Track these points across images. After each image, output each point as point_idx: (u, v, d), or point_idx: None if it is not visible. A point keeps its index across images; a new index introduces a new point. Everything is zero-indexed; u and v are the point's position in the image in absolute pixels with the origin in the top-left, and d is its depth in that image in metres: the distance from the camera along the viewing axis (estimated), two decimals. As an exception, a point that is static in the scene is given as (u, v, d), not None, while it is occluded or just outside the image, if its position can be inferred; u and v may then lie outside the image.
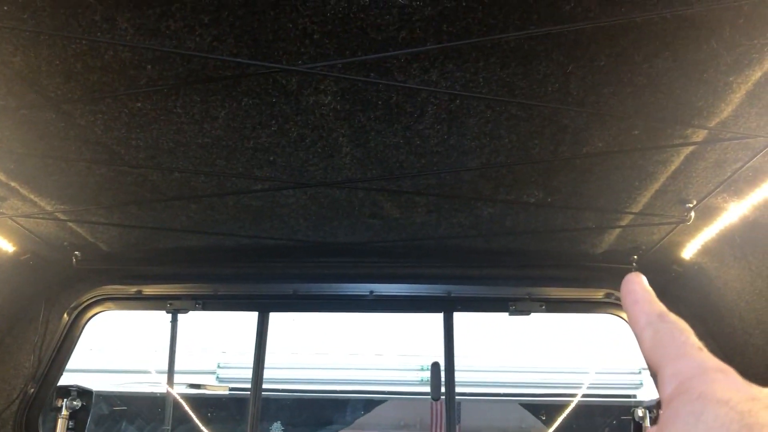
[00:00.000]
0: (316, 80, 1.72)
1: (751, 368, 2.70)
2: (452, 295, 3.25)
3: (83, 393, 3.16)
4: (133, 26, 1.47)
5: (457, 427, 7.31)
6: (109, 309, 3.39)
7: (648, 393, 7.90)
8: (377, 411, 8.39)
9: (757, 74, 1.62)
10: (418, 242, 2.95)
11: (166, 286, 3.33)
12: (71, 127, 1.95)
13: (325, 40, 1.52)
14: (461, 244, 2.97)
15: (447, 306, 3.31)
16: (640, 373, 8.40)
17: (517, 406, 8.06)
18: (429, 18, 1.44)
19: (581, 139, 1.98)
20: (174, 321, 3.46)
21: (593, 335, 7.96)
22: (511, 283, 3.22)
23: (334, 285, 3.33)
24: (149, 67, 1.64)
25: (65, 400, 3.11)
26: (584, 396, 7.51)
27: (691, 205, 2.41)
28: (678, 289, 3.05)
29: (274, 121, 1.94)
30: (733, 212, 2.39)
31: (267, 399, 7.90)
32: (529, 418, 7.85)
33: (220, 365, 8.85)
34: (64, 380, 3.33)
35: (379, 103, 1.82)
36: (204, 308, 3.32)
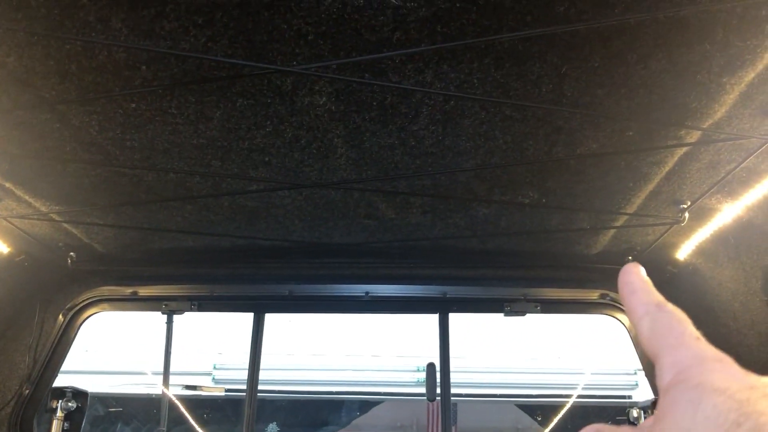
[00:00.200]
0: (310, 81, 1.72)
1: (746, 368, 2.70)
2: (448, 296, 3.26)
3: (78, 394, 3.16)
4: (128, 27, 1.47)
5: (453, 428, 7.31)
6: (105, 310, 3.38)
7: (643, 394, 7.92)
8: (373, 412, 8.39)
9: (750, 75, 1.62)
10: (413, 243, 2.95)
11: (161, 287, 3.32)
12: (66, 127, 1.95)
13: (320, 41, 1.52)
14: (456, 245, 2.97)
15: (442, 307, 3.31)
16: (635, 373, 8.43)
17: (513, 406, 8.07)
18: (423, 19, 1.44)
19: (575, 140, 1.98)
20: (169, 322, 3.45)
21: (588, 336, 7.97)
22: (507, 283, 3.22)
23: (329, 286, 3.33)
24: (144, 67, 1.64)
25: (60, 401, 3.10)
26: (579, 397, 7.53)
27: (685, 206, 2.42)
28: (672, 290, 3.05)
29: (269, 122, 1.94)
30: (727, 213, 2.40)
31: (263, 400, 7.90)
32: (525, 419, 7.87)
33: (216, 366, 8.85)
34: (60, 381, 3.32)
35: (374, 103, 1.82)
36: (199, 309, 3.32)
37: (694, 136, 1.94)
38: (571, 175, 2.23)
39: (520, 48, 1.55)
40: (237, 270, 3.26)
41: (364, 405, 8.56)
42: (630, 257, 2.94)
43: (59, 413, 3.08)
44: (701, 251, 2.73)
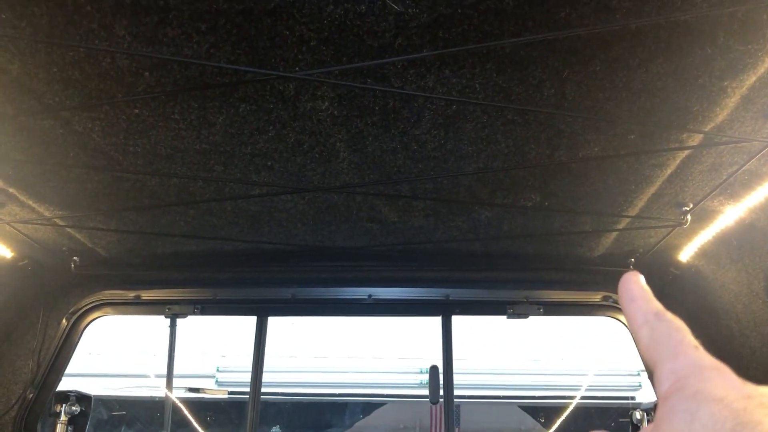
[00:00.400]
0: (313, 86, 1.72)
1: (749, 370, 2.70)
2: (450, 298, 3.26)
3: (82, 398, 3.16)
4: (131, 34, 1.48)
5: (456, 429, 7.31)
6: (108, 314, 3.39)
7: (646, 395, 7.91)
8: (376, 414, 8.39)
9: (751, 78, 1.63)
10: (416, 246, 2.96)
11: (164, 291, 3.33)
12: (69, 133, 1.96)
13: (322, 47, 1.53)
14: (459, 248, 2.98)
15: (445, 309, 3.32)
16: (638, 375, 8.43)
17: (516, 408, 8.06)
18: (425, 25, 1.44)
19: (577, 143, 1.99)
20: (173, 326, 3.46)
21: (591, 338, 7.97)
22: (509, 286, 3.23)
23: (332, 289, 3.34)
24: (147, 74, 1.65)
25: (64, 405, 3.11)
26: (583, 398, 7.52)
27: (687, 209, 2.42)
28: (675, 292, 3.05)
29: (271, 127, 1.94)
30: (730, 215, 2.40)
31: (266, 402, 7.90)
32: (528, 421, 7.86)
33: (219, 369, 8.86)
34: (63, 385, 3.33)
35: (376, 108, 1.83)
36: (203, 313, 3.33)
37: (696, 139, 1.94)
38: (573, 178, 2.23)
39: (522, 53, 1.55)
40: (240, 273, 3.27)
41: (366, 407, 8.56)
42: (633, 259, 2.94)
43: (63, 417, 3.09)
44: (704, 253, 2.74)
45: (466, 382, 7.49)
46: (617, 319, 3.29)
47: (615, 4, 1.38)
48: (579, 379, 7.69)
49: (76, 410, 3.12)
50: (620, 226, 2.66)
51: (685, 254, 2.83)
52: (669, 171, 2.16)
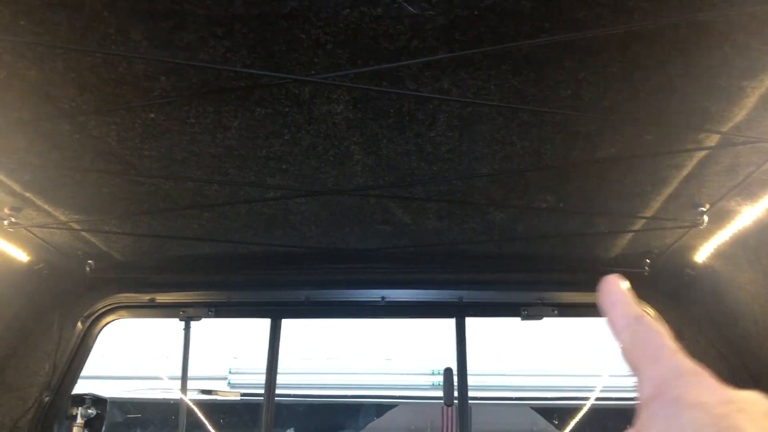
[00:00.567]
0: (328, 90, 1.72)
1: (767, 372, 2.68)
2: (464, 300, 3.25)
3: (98, 401, 3.18)
4: (147, 38, 1.49)
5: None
6: (123, 317, 3.40)
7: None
8: (388, 416, 8.38)
9: (770, 78, 1.61)
10: (429, 248, 2.95)
11: (178, 293, 3.34)
12: (85, 138, 1.97)
13: (338, 50, 1.53)
14: (473, 250, 2.97)
15: (459, 311, 3.31)
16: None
17: (528, 409, 8.03)
18: (441, 27, 1.44)
19: (593, 144, 1.97)
20: (187, 328, 3.47)
21: (603, 339, 7.92)
22: (523, 287, 3.21)
23: (345, 291, 3.33)
24: (163, 78, 1.65)
25: (80, 408, 3.12)
26: (597, 399, 7.47)
27: (704, 209, 2.40)
28: (691, 293, 3.03)
29: (286, 131, 1.94)
30: (747, 215, 2.38)
31: (279, 405, 7.90)
32: (541, 422, 7.83)
33: (232, 371, 8.87)
34: (78, 388, 3.35)
35: (391, 111, 1.83)
36: (217, 315, 3.33)
37: (714, 139, 1.93)
38: (589, 179, 2.22)
39: (538, 54, 1.54)
40: (254, 276, 3.27)
41: (379, 409, 8.56)
42: (648, 260, 2.92)
43: (79, 420, 3.10)
44: (720, 254, 2.71)
45: (480, 384, 7.46)
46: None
47: (633, 5, 1.37)
48: (592, 381, 7.64)
49: (91, 413, 3.14)
50: (636, 227, 2.64)
51: (702, 255, 2.81)
52: (686, 171, 2.15)
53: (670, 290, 3.11)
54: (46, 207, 2.48)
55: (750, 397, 0.40)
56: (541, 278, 3.19)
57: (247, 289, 3.33)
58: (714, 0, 1.34)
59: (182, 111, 1.82)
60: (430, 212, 2.57)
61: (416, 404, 8.42)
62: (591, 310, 3.31)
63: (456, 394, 3.28)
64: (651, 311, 3.15)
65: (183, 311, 3.34)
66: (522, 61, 1.57)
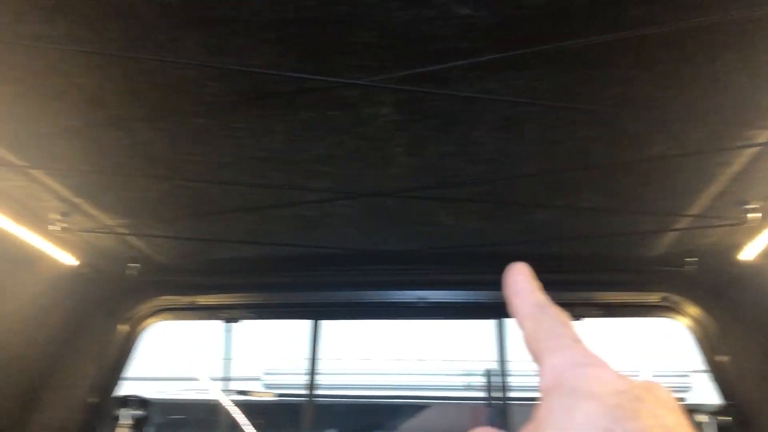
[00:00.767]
0: (374, 92, 1.73)
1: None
2: (503, 301, 3.22)
3: (142, 402, 3.23)
4: (199, 45, 1.51)
5: (505, 432, 7.25)
6: (165, 319, 3.45)
7: (698, 396, 7.74)
8: (423, 416, 8.37)
9: (827, 73, 1.58)
10: (470, 249, 2.94)
11: (220, 295, 3.37)
12: (135, 144, 2.00)
13: (386, 53, 1.53)
14: (514, 250, 2.95)
15: (500, 312, 3.29)
16: (688, 375, 8.25)
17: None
18: (490, 27, 1.44)
19: (641, 142, 1.95)
20: (228, 330, 3.51)
21: (638, 337, 7.82)
22: (564, 288, 3.18)
23: (384, 292, 3.34)
24: (212, 84, 1.67)
25: (125, 409, 3.17)
26: None
27: (751, 207, 2.35)
28: (737, 292, 2.98)
29: (330, 134, 1.96)
30: (797, 213, 2.33)
31: (315, 405, 7.93)
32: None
33: (267, 371, 8.94)
34: (122, 389, 3.40)
35: (436, 112, 1.83)
36: (257, 317, 3.37)
37: (765, 135, 1.89)
38: (635, 177, 2.20)
39: (588, 53, 1.53)
40: (293, 278, 3.30)
41: (414, 409, 8.56)
42: (693, 258, 2.88)
43: (125, 421, 3.15)
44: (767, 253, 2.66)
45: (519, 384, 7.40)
46: (677, 320, 3.22)
47: (685, 2, 1.35)
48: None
49: (137, 414, 3.19)
50: (681, 225, 2.60)
51: (749, 253, 2.76)
52: (735, 169, 2.11)
53: (716, 289, 3.06)
54: (93, 212, 2.53)
55: (648, 385, 0.39)
56: (583, 278, 3.16)
57: (287, 291, 3.35)
58: (772, -6, 1.32)
59: (230, 116, 1.84)
60: (471, 213, 2.56)
61: (450, 405, 8.40)
62: (634, 310, 3.27)
63: (492, 394, 3.26)
64: (696, 310, 3.10)
65: (224, 313, 3.38)
66: (571, 59, 1.55)
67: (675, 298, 3.10)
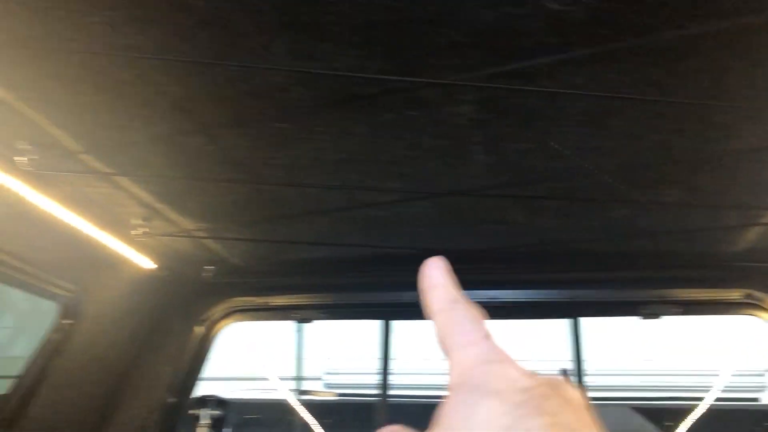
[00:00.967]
0: (456, 91, 1.72)
1: None
2: (578, 299, 3.18)
3: (220, 403, 3.30)
4: (286, 50, 1.52)
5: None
6: (239, 320, 3.51)
7: (775, 396, 7.46)
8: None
9: None
10: (543, 247, 2.90)
11: (292, 296, 3.41)
12: (217, 149, 2.04)
13: (472, 51, 1.52)
14: (588, 248, 2.90)
15: (573, 311, 3.23)
16: (763, 375, 7.95)
17: (630, 410, 7.75)
18: (581, 22, 1.41)
19: (730, 135, 1.89)
20: (299, 331, 3.55)
21: (710, 335, 7.58)
22: (641, 285, 3.11)
23: (455, 292, 3.31)
24: (296, 88, 1.69)
25: (204, 409, 3.24)
26: (718, 400, 7.06)
27: None
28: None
29: (409, 134, 1.95)
30: None
31: (373, 405, 7.96)
32: (648, 427, 7.53)
33: (327, 371, 9.01)
34: (200, 389, 3.48)
35: (518, 109, 1.80)
36: (329, 318, 3.39)
37: None
38: (721, 171, 2.13)
39: (681, 44, 1.49)
40: (365, 278, 3.31)
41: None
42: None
43: (203, 421, 3.22)
44: None
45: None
46: (760, 317, 3.10)
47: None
48: (709, 380, 7.27)
49: (215, 414, 3.26)
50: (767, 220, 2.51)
51: (840, 247, 2.65)
52: (829, 160, 2.03)
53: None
54: (173, 216, 2.59)
55: (554, 382, 0.38)
56: (661, 275, 3.07)
57: (358, 291, 3.37)
58: None
59: (311, 119, 1.86)
60: (547, 210, 2.53)
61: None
62: (714, 307, 3.17)
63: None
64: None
65: (296, 314, 3.42)
66: (663, 51, 1.51)
67: (759, 294, 2.99)
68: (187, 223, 2.67)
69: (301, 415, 5.41)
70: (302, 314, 3.40)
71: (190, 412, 3.36)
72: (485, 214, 2.60)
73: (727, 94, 1.66)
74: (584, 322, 3.31)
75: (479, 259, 3.07)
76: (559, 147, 1.96)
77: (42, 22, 1.47)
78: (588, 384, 3.18)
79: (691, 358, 7.67)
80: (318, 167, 2.16)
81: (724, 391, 6.99)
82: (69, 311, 2.82)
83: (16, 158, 1.95)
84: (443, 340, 0.44)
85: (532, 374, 0.39)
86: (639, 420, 7.36)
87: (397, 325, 3.51)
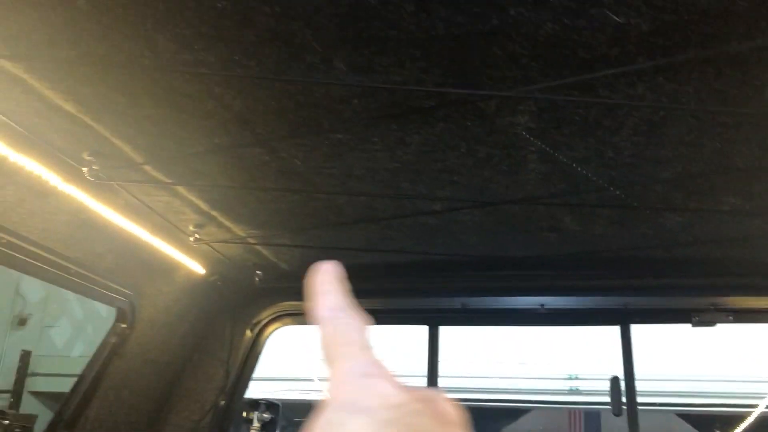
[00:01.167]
0: (514, 102, 1.72)
1: None
2: (629, 306, 3.14)
3: (271, 406, 3.35)
4: (347, 65, 1.55)
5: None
6: (288, 324, 3.56)
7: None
8: (523, 421, 8.25)
9: None
10: (594, 254, 2.88)
11: (340, 301, 3.43)
12: (274, 160, 2.08)
13: (532, 63, 1.52)
14: (640, 255, 2.86)
15: (624, 318, 3.19)
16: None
17: (674, 417, 7.62)
18: (644, 33, 1.40)
19: (792, 143, 1.86)
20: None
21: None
22: (694, 293, 3.06)
23: (502, 298, 3.32)
24: (355, 101, 1.72)
25: (255, 412, 3.30)
26: (741, 407, 6.92)
27: None
28: None
29: (464, 143, 1.96)
30: None
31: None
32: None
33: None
34: (250, 392, 3.54)
35: (576, 119, 1.80)
36: (376, 323, 3.40)
37: None
38: (780, 179, 2.09)
39: (747, 55, 1.47)
40: (412, 284, 3.32)
41: (512, 413, 8.43)
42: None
43: (255, 423, 3.28)
44: None
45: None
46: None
47: None
48: (751, 387, 7.12)
49: (266, 417, 3.31)
50: (827, 228, 2.46)
51: None
52: None
53: None
54: (227, 223, 2.64)
55: (429, 397, 0.37)
56: (714, 283, 3.02)
57: (406, 297, 3.39)
58: None
59: (368, 130, 1.88)
60: (600, 218, 2.51)
61: (551, 410, 8.24)
62: (770, 315, 3.11)
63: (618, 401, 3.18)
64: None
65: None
66: (728, 62, 1.50)
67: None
68: (239, 230, 2.72)
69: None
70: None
71: (243, 414, 3.42)
72: (536, 221, 2.59)
73: (791, 103, 1.63)
74: (635, 329, 3.27)
75: (527, 266, 3.06)
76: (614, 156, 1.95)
77: (110, 39, 1.52)
78: (638, 390, 3.13)
79: (743, 366, 7.49)
80: (370, 176, 2.18)
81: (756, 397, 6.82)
82: (126, 315, 2.90)
83: (83, 169, 2.02)
84: (326, 349, 0.42)
85: (407, 389, 0.38)
86: (686, 427, 7.23)
87: (444, 331, 3.51)
